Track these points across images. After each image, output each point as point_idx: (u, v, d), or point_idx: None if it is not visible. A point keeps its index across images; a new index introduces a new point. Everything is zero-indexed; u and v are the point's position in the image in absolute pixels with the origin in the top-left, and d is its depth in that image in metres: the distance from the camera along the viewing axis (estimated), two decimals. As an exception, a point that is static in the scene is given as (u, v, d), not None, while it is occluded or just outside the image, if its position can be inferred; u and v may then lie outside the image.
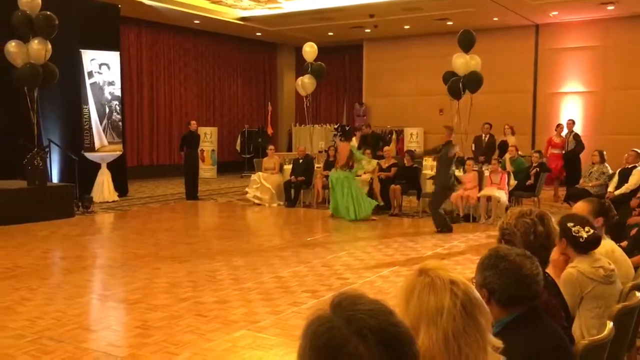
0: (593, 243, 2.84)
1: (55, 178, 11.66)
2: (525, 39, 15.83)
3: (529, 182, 10.28)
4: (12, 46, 9.78)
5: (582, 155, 12.38)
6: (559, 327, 1.99)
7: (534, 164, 10.52)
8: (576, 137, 12.52)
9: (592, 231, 2.82)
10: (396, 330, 0.99)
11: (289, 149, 18.71)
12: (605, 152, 10.32)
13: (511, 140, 12.13)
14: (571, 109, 15.31)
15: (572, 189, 10.51)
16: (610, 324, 2.39)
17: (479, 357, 1.32)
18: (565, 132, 12.70)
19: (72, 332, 4.53)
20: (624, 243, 5.38)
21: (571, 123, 12.77)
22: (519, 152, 11.33)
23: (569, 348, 1.95)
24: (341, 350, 0.96)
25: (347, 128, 12.61)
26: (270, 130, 18.61)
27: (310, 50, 12.96)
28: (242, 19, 15.95)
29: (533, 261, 1.90)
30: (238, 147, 18.75)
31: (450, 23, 15.11)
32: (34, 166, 9.78)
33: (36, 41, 9.80)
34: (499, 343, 1.40)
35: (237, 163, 18.52)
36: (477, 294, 1.38)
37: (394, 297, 5.17)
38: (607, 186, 9.51)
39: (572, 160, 12.31)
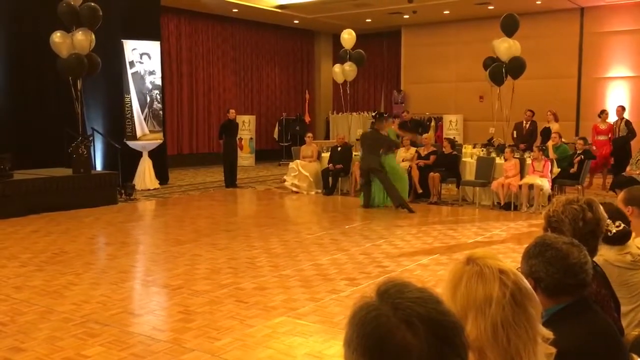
0: (621, 238, 2.80)
1: (98, 166, 11.95)
2: (570, 22, 15.36)
3: (573, 169, 10.03)
4: (57, 37, 10.00)
5: (632, 143, 11.98)
6: (609, 318, 1.93)
7: (578, 151, 10.26)
8: (628, 124, 12.06)
9: (622, 226, 2.77)
10: (445, 319, 0.97)
11: (327, 137, 18.70)
12: (653, 139, 10.00)
13: (554, 126, 11.82)
14: (618, 94, 14.82)
15: (618, 177, 10.20)
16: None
17: (528, 347, 1.29)
18: (614, 118, 12.30)
19: (117, 316, 4.65)
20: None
21: (621, 109, 12.32)
22: (562, 139, 11.05)
23: (620, 339, 1.90)
24: (389, 339, 0.94)
25: (384, 114, 12.49)
26: (307, 118, 18.63)
27: (348, 37, 12.88)
28: (280, 6, 15.94)
29: (581, 249, 1.85)
30: (276, 135, 18.83)
31: (491, 7, 14.78)
32: (78, 154, 10.02)
33: (80, 32, 10.00)
34: (549, 334, 1.36)
35: (274, 151, 18.61)
36: (527, 283, 1.34)
37: (434, 286, 5.11)
38: (655, 174, 9.22)
39: (622, 147, 11.90)
